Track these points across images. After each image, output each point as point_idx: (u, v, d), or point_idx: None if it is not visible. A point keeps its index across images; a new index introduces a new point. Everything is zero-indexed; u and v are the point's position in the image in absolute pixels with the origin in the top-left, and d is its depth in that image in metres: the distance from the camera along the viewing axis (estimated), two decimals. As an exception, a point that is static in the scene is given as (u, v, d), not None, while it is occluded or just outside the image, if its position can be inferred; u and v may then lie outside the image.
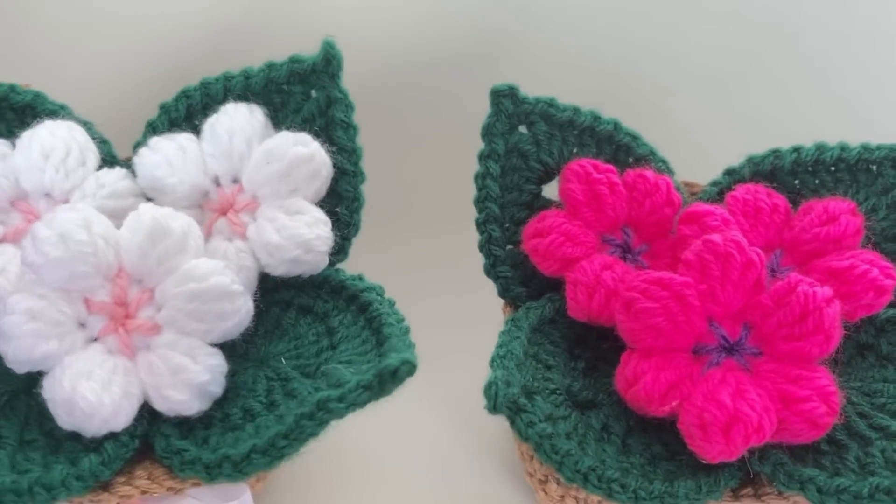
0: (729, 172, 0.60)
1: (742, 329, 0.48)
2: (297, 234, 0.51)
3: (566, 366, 0.52)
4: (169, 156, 0.54)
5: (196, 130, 0.55)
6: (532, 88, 0.57)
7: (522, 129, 0.56)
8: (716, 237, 0.48)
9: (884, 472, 0.45)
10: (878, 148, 0.58)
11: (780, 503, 0.47)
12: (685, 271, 0.48)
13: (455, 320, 0.68)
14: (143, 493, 0.46)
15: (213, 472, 0.43)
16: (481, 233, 0.56)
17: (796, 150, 0.59)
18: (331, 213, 0.54)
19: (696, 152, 0.66)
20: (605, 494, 0.44)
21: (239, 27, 0.72)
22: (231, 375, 0.48)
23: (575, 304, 0.52)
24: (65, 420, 0.44)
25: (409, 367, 0.41)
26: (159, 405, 0.46)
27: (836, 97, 0.76)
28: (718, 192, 0.59)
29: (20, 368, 0.45)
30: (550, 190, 0.57)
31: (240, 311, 0.47)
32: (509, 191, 0.56)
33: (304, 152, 0.52)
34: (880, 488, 0.43)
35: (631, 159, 0.58)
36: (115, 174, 0.54)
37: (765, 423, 0.44)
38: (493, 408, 0.44)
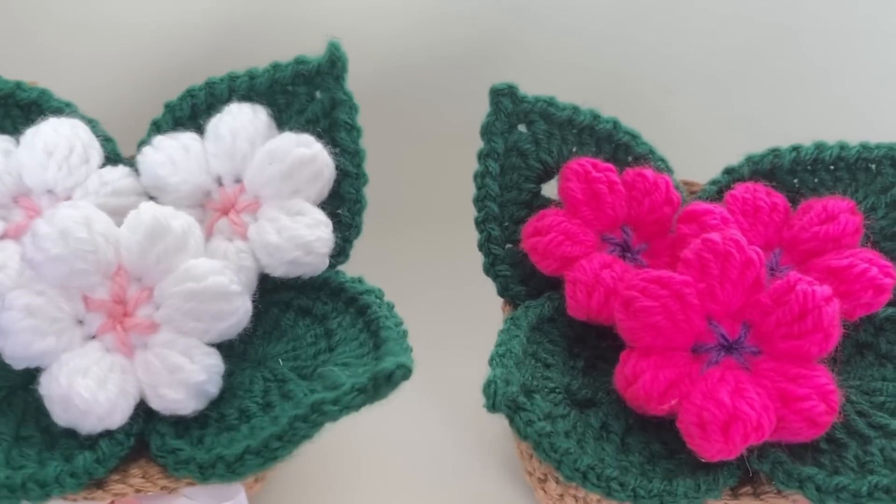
0: (728, 171, 0.60)
1: (741, 328, 0.48)
2: (297, 235, 0.51)
3: (565, 364, 0.52)
4: (172, 155, 0.54)
5: (200, 130, 0.55)
6: (531, 87, 0.57)
7: (522, 127, 0.56)
8: (715, 236, 0.48)
9: (883, 471, 0.45)
10: (877, 147, 0.58)
11: (779, 502, 0.47)
12: (684, 270, 0.48)
13: (454, 319, 0.68)
14: (138, 491, 0.46)
15: (206, 473, 0.43)
16: (480, 231, 0.56)
17: (795, 148, 0.59)
18: (333, 214, 0.54)
19: (696, 151, 0.66)
20: (603, 493, 0.44)
21: (243, 26, 0.72)
22: (228, 375, 0.48)
23: (574, 302, 0.52)
24: (61, 417, 0.44)
25: (404, 372, 0.41)
26: (155, 404, 0.46)
27: (835, 96, 0.76)
28: (717, 190, 0.59)
29: (17, 364, 0.45)
30: (550, 189, 0.57)
31: (237, 312, 0.47)
32: (508, 189, 0.56)
33: (307, 153, 0.52)
34: (879, 487, 0.43)
35: (630, 158, 0.58)
36: (118, 172, 0.54)
37: (764, 422, 0.44)
38: (492, 406, 0.44)
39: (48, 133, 0.53)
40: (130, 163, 0.56)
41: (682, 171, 0.60)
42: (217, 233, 0.53)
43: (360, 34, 0.72)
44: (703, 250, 0.48)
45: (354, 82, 0.56)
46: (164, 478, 0.45)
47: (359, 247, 0.56)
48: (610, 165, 0.56)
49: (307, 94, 0.55)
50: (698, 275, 0.47)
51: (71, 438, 0.45)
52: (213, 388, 0.47)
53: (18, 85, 0.56)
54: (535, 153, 0.57)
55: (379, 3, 0.73)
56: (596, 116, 0.58)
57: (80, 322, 0.46)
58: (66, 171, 0.53)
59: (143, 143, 0.56)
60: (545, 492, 0.53)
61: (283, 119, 0.56)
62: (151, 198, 0.54)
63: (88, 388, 0.44)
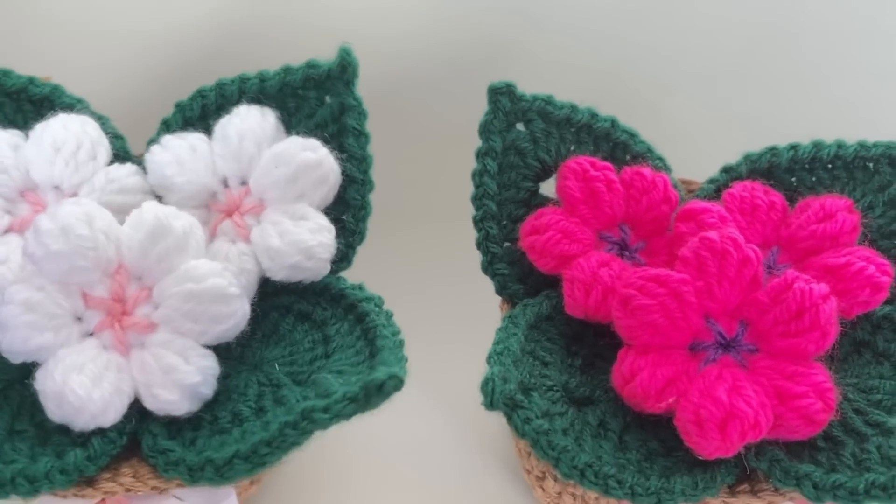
0: (726, 170, 0.60)
1: (739, 326, 0.48)
2: (299, 239, 0.51)
3: (563, 362, 0.52)
4: (179, 154, 0.54)
5: (210, 130, 0.55)
6: (529, 86, 0.57)
7: (520, 126, 0.57)
8: (713, 234, 0.48)
9: (879, 469, 0.45)
10: (875, 145, 0.58)
11: (776, 499, 0.47)
12: (682, 268, 0.48)
13: (452, 317, 0.68)
14: (128, 490, 0.46)
15: (195, 475, 0.43)
16: (479, 230, 0.56)
17: (793, 147, 0.59)
18: (337, 220, 0.54)
19: (694, 150, 0.66)
20: (601, 490, 0.44)
21: (251, 26, 0.72)
22: (224, 378, 0.48)
23: (572, 300, 0.52)
24: (54, 413, 0.44)
25: (395, 382, 0.41)
26: (149, 404, 0.46)
27: (832, 95, 0.76)
28: (715, 189, 0.59)
29: (15, 359, 0.45)
30: (548, 187, 0.58)
31: (235, 315, 0.47)
32: (507, 188, 0.56)
33: (312, 158, 0.52)
34: (876, 484, 0.43)
35: (628, 157, 0.59)
36: (126, 170, 0.54)
37: (761, 420, 0.44)
38: (490, 404, 0.44)
39: (57, 129, 0.53)
40: (139, 161, 0.56)
41: (680, 170, 0.60)
42: (220, 234, 0.53)
43: (360, 34, 0.72)
44: (700, 248, 0.48)
45: (354, 82, 0.56)
46: (155, 478, 0.45)
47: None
48: (608, 164, 0.56)
49: (317, 99, 0.55)
50: (696, 273, 0.47)
51: (64, 435, 0.45)
52: (208, 391, 0.47)
53: (31, 80, 0.56)
54: (533, 152, 0.57)
55: (379, 3, 0.73)
56: (594, 115, 0.58)
57: (79, 319, 0.46)
58: (74, 168, 0.53)
59: (152, 141, 0.56)
60: (543, 490, 0.53)
61: (293, 122, 0.56)
62: (158, 197, 0.54)
63: (83, 385, 0.44)
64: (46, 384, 0.44)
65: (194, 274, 0.46)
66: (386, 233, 0.65)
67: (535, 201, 0.57)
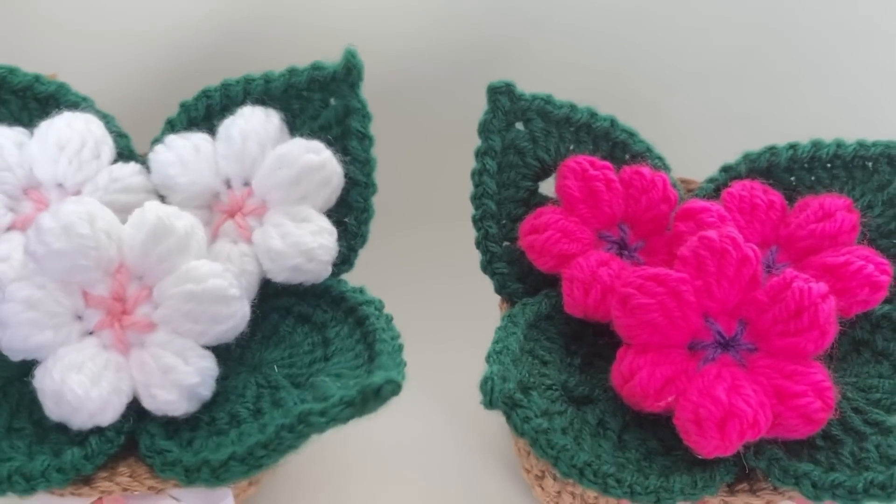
0: (725, 169, 0.60)
1: (738, 325, 0.48)
2: (300, 241, 0.51)
3: (562, 361, 0.52)
4: (183, 154, 0.54)
5: (215, 130, 0.55)
6: (529, 86, 0.57)
7: (519, 125, 0.57)
8: (712, 233, 0.48)
9: (878, 468, 0.45)
10: (874, 144, 0.58)
11: (775, 498, 0.47)
12: (681, 267, 0.48)
13: (452, 317, 0.68)
14: (125, 490, 0.46)
15: (191, 476, 0.43)
16: (478, 229, 0.56)
17: (792, 146, 0.59)
18: (339, 222, 0.54)
19: (693, 149, 0.66)
20: (600, 489, 0.44)
21: (253, 26, 0.72)
22: (223, 379, 0.48)
23: (571, 300, 0.52)
24: (53, 411, 0.44)
25: (393, 387, 0.41)
26: (148, 403, 0.46)
27: (831, 94, 0.76)
28: (715, 188, 0.59)
29: (15, 356, 0.45)
30: (547, 187, 0.58)
31: (235, 316, 0.47)
32: (506, 187, 0.56)
33: (316, 160, 0.52)
34: (875, 483, 0.43)
35: (627, 156, 0.59)
36: (129, 169, 0.54)
37: (760, 419, 0.44)
38: (489, 403, 0.44)
39: (61, 127, 0.53)
40: (143, 160, 0.56)
41: (679, 169, 0.60)
42: (222, 235, 0.53)
43: (360, 34, 0.72)
44: (699, 248, 0.48)
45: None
46: (152, 478, 0.45)
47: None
48: (607, 163, 0.56)
49: (321, 101, 0.55)
50: (695, 272, 0.47)
51: (62, 433, 0.45)
52: (206, 392, 0.47)
53: (37, 78, 0.56)
54: (532, 151, 0.57)
55: (379, 3, 0.73)
56: (593, 114, 0.58)
57: (79, 317, 0.46)
58: (77, 166, 0.53)
59: (156, 141, 0.56)
60: (543, 489, 0.53)
61: (297, 124, 0.55)
62: (161, 196, 0.54)
63: (81, 384, 0.44)
64: (45, 382, 0.44)
65: (195, 274, 0.46)
66: (385, 231, 0.65)
67: (535, 200, 0.57)
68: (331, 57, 0.55)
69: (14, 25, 0.70)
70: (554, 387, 0.49)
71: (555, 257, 0.54)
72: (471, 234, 0.56)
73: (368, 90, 0.56)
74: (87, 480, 0.45)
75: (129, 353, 0.46)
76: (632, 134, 0.59)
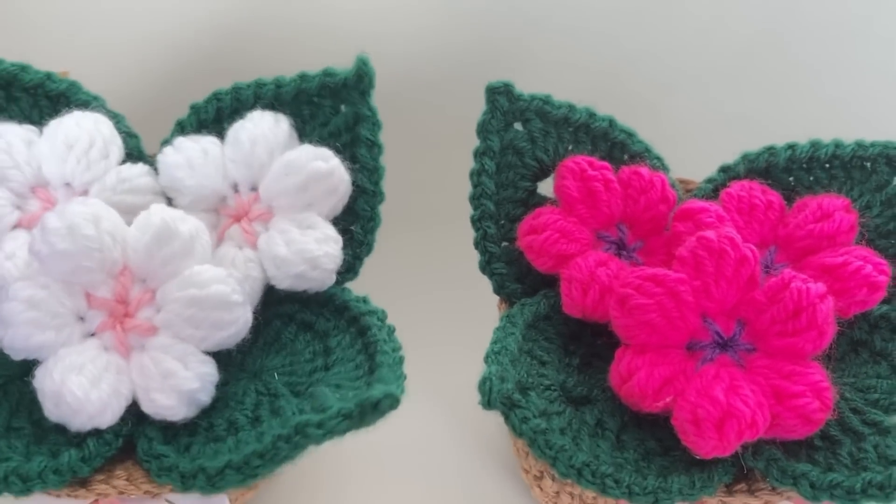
0: (724, 169, 0.60)
1: (736, 325, 0.48)
2: (305, 249, 0.51)
3: (561, 362, 0.52)
4: (191, 157, 0.53)
5: (224, 133, 0.55)
6: (528, 86, 0.57)
7: (518, 125, 0.57)
8: (710, 234, 0.48)
9: (876, 468, 0.45)
10: (872, 145, 0.58)
11: (773, 498, 0.47)
12: (679, 268, 0.48)
13: (450, 317, 0.68)
14: (121, 493, 0.46)
15: (187, 482, 0.43)
16: (476, 229, 0.56)
17: (791, 147, 0.59)
18: (346, 230, 0.54)
19: (692, 149, 0.66)
20: (599, 490, 0.44)
21: (257, 26, 0.72)
22: (223, 385, 0.48)
23: (570, 300, 0.52)
24: (52, 412, 0.44)
25: (391, 401, 0.41)
26: (147, 407, 0.46)
27: (830, 95, 0.77)
28: (713, 188, 0.59)
29: (16, 356, 0.45)
30: (546, 187, 0.58)
31: (237, 322, 0.47)
32: (504, 188, 0.56)
33: (323, 168, 0.52)
34: (873, 483, 0.43)
35: (626, 156, 0.59)
36: (137, 170, 0.54)
37: (758, 419, 0.44)
38: (488, 403, 0.44)
39: (70, 126, 0.53)
40: (152, 161, 0.56)
41: (677, 170, 0.60)
42: (228, 239, 0.53)
43: (360, 35, 0.72)
44: (698, 248, 0.48)
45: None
46: (148, 482, 0.45)
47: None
48: (606, 164, 0.56)
49: (332, 107, 0.55)
50: (693, 272, 0.48)
51: (60, 434, 0.45)
52: (206, 397, 0.47)
53: (49, 76, 0.56)
54: (531, 151, 0.57)
55: (378, 3, 0.73)
56: (592, 115, 0.58)
57: (81, 319, 0.46)
58: (85, 166, 0.53)
59: (166, 142, 0.56)
60: (541, 489, 0.53)
61: (307, 130, 0.55)
62: (168, 198, 0.54)
63: (81, 385, 0.44)
64: (45, 383, 0.44)
65: (198, 279, 0.46)
66: (384, 231, 0.65)
67: (533, 201, 0.57)
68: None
69: (22, 24, 0.70)
70: (552, 387, 0.49)
71: (553, 257, 0.54)
72: (469, 234, 0.56)
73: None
74: (83, 482, 0.45)
75: (130, 355, 0.46)
76: (630, 134, 0.59)
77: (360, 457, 0.59)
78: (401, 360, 0.46)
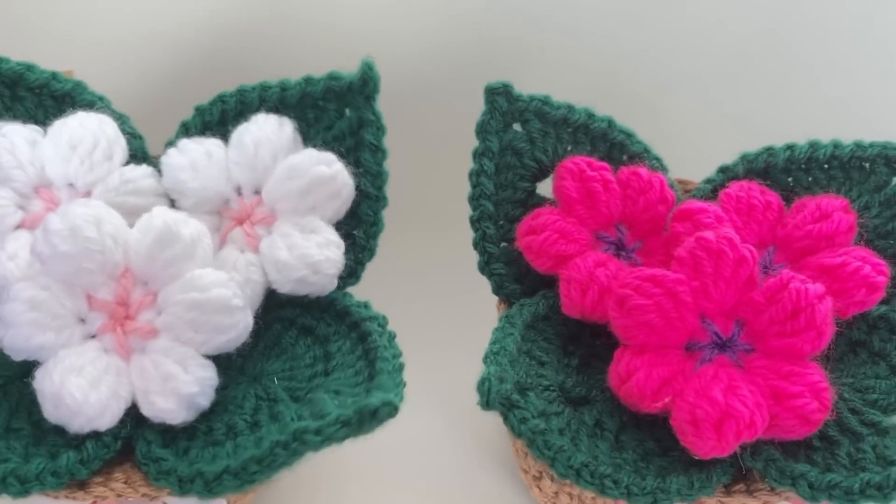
0: (723, 170, 0.60)
1: (734, 325, 0.48)
2: (306, 254, 0.51)
3: (559, 362, 0.52)
4: (195, 159, 0.53)
5: (228, 136, 0.55)
6: (527, 87, 0.57)
7: (517, 126, 0.57)
8: (709, 234, 0.48)
9: (875, 468, 0.45)
10: (871, 145, 0.58)
11: (772, 499, 0.47)
12: (678, 268, 0.48)
13: (449, 317, 0.68)
14: (119, 495, 0.45)
15: (185, 487, 0.43)
16: (475, 230, 0.56)
17: (790, 147, 0.59)
18: (348, 235, 0.54)
19: (690, 150, 0.66)
20: (597, 490, 0.44)
21: (258, 26, 0.72)
22: (222, 389, 0.47)
23: (568, 300, 0.52)
24: (51, 413, 0.44)
25: (389, 410, 0.41)
26: (146, 410, 0.46)
27: (829, 95, 0.77)
28: (712, 189, 0.59)
29: (16, 356, 0.45)
30: (545, 187, 0.58)
31: (237, 326, 0.47)
32: (503, 188, 0.56)
33: (326, 172, 0.52)
34: (871, 484, 0.43)
35: (625, 157, 0.59)
36: (141, 171, 0.54)
37: (756, 419, 0.44)
38: (486, 404, 0.45)
39: (74, 127, 0.53)
40: (156, 162, 0.56)
41: (676, 170, 0.60)
42: (230, 242, 0.53)
43: (359, 35, 0.73)
44: (696, 248, 0.48)
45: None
46: (146, 485, 0.45)
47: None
48: (605, 164, 0.56)
49: (336, 111, 0.55)
50: (692, 273, 0.48)
51: (59, 435, 0.45)
52: (205, 401, 0.47)
53: (54, 76, 0.56)
54: (530, 152, 0.57)
55: (378, 3, 0.73)
56: (591, 115, 0.58)
57: (82, 320, 0.46)
58: (89, 166, 0.53)
59: (170, 143, 0.56)
60: (540, 489, 0.53)
61: (311, 133, 0.55)
62: (171, 200, 0.54)
63: (80, 387, 0.44)
64: (45, 384, 0.44)
65: (199, 283, 0.46)
66: (383, 232, 0.65)
67: (532, 201, 0.57)
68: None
69: (23, 23, 0.70)
70: (551, 387, 0.49)
71: (552, 258, 0.54)
72: (468, 234, 0.56)
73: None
74: (81, 485, 0.45)
75: (130, 358, 0.46)
76: (629, 135, 0.59)
77: (360, 457, 0.59)
78: (400, 368, 0.46)
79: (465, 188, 0.56)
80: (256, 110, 0.55)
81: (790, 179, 0.59)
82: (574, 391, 0.50)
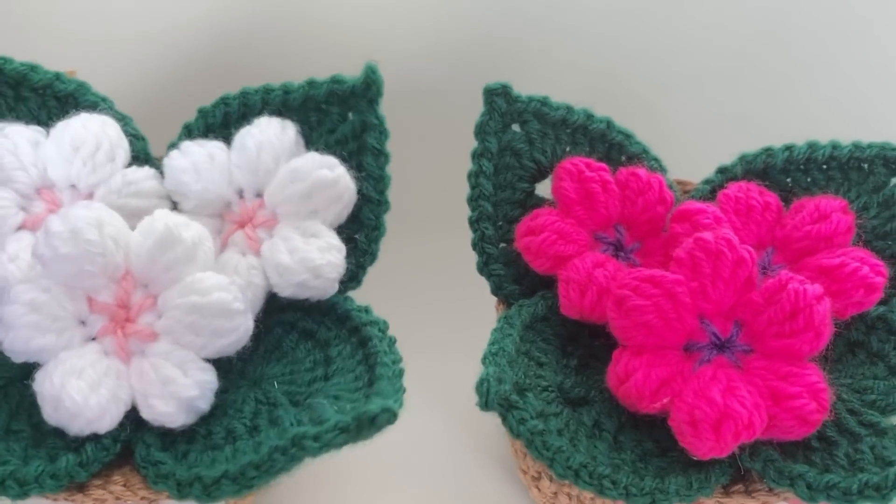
0: (721, 170, 0.60)
1: (733, 326, 0.48)
2: (307, 258, 0.51)
3: (558, 363, 0.52)
4: (197, 162, 0.53)
5: (231, 139, 0.55)
6: (526, 87, 0.57)
7: (515, 127, 0.57)
8: (707, 235, 0.48)
9: (873, 469, 0.45)
10: (870, 146, 0.58)
11: (770, 499, 0.47)
12: (677, 269, 0.48)
13: (448, 318, 0.68)
14: (118, 498, 0.45)
15: (183, 491, 0.43)
16: (474, 231, 0.56)
17: (788, 148, 0.59)
18: (350, 239, 0.54)
19: (689, 150, 0.66)
20: (596, 491, 0.44)
21: (258, 26, 0.72)
22: (222, 392, 0.47)
23: (567, 301, 0.52)
24: (50, 416, 0.44)
25: (388, 416, 0.41)
26: (145, 413, 0.46)
27: (827, 96, 0.77)
28: (711, 190, 0.59)
29: (16, 358, 0.45)
30: (543, 188, 0.58)
31: (237, 330, 0.47)
32: (502, 189, 0.56)
33: (328, 176, 0.52)
34: (869, 484, 0.43)
35: (624, 158, 0.59)
36: (143, 173, 0.54)
37: (755, 420, 0.44)
38: (485, 404, 0.45)
39: (77, 128, 0.53)
40: (159, 164, 0.56)
41: (675, 171, 0.60)
42: (232, 245, 0.53)
43: (359, 35, 0.73)
44: (695, 249, 0.48)
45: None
46: (145, 488, 0.45)
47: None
48: (603, 165, 0.56)
49: (339, 114, 0.55)
50: (690, 274, 0.48)
51: (59, 438, 0.45)
52: (204, 405, 0.47)
53: (58, 76, 0.56)
54: (528, 153, 0.57)
55: (377, 3, 0.73)
56: (589, 116, 0.58)
57: (83, 323, 0.46)
58: (91, 168, 0.53)
59: (172, 145, 0.56)
60: (539, 490, 0.53)
61: (314, 137, 0.55)
62: (173, 202, 0.54)
63: (80, 390, 0.44)
64: (45, 387, 0.44)
65: (199, 286, 0.46)
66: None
67: (531, 202, 0.57)
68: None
69: (24, 23, 0.70)
70: (550, 388, 0.49)
71: (551, 259, 0.54)
72: (467, 235, 0.56)
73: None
74: (80, 487, 0.45)
75: (130, 361, 0.46)
76: (628, 136, 0.59)
77: (359, 458, 0.59)
78: (400, 373, 0.46)
79: (464, 189, 0.56)
80: (259, 113, 0.55)
81: (789, 180, 0.59)
82: (573, 392, 0.50)
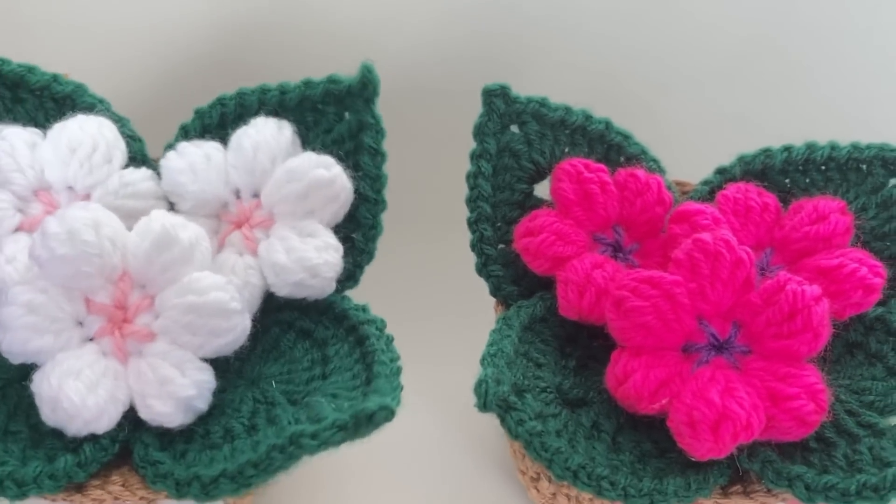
0: (720, 171, 0.60)
1: (731, 327, 0.48)
2: (304, 257, 0.51)
3: (557, 364, 0.52)
4: (193, 162, 0.53)
5: (228, 139, 0.55)
6: (525, 88, 0.57)
7: (514, 128, 0.57)
8: (706, 236, 0.48)
9: (871, 470, 0.45)
10: (868, 147, 0.58)
11: (769, 500, 0.47)
12: (675, 270, 0.48)
13: (447, 319, 0.68)
14: (116, 499, 0.45)
15: (181, 490, 0.43)
16: (473, 232, 0.56)
17: (787, 149, 0.59)
18: (347, 238, 0.54)
19: (688, 151, 0.66)
20: (594, 492, 0.44)
21: (258, 26, 0.72)
22: (220, 392, 0.47)
23: (566, 302, 0.52)
24: (48, 416, 0.44)
25: (386, 414, 0.41)
26: (143, 413, 0.46)
27: (826, 97, 0.77)
28: (709, 190, 0.59)
29: (14, 360, 0.45)
30: (542, 189, 0.58)
31: (235, 330, 0.47)
32: (501, 190, 0.56)
33: (325, 176, 0.52)
34: (868, 485, 0.43)
35: (622, 158, 0.59)
36: (140, 174, 0.54)
37: (753, 421, 0.44)
38: (483, 406, 0.45)
39: (74, 130, 0.53)
40: (155, 165, 0.56)
41: (674, 172, 0.60)
42: (229, 245, 0.53)
43: (358, 35, 0.73)
44: (693, 250, 0.48)
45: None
46: (144, 488, 0.45)
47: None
48: (602, 166, 0.56)
49: (336, 114, 0.55)
50: (689, 275, 0.48)
51: (57, 438, 0.45)
52: (202, 405, 0.47)
53: (55, 78, 0.56)
54: (527, 154, 0.57)
55: (377, 3, 0.73)
56: (588, 117, 0.58)
57: (80, 323, 0.46)
58: (88, 170, 0.53)
59: (169, 146, 0.56)
60: (538, 490, 0.53)
61: (310, 137, 0.55)
62: (170, 203, 0.54)
63: (78, 391, 0.44)
64: (42, 388, 0.44)
65: (196, 286, 0.46)
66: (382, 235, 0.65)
67: (530, 203, 0.57)
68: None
69: (22, 24, 0.70)
70: (548, 389, 0.49)
71: (549, 260, 0.54)
72: (466, 236, 0.56)
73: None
74: (79, 488, 0.45)
75: (128, 361, 0.46)
76: (627, 136, 0.59)
77: (358, 458, 0.59)
78: (398, 371, 0.46)
79: (463, 190, 0.56)
80: (255, 113, 0.55)
81: (787, 181, 0.59)
82: (571, 393, 0.50)
